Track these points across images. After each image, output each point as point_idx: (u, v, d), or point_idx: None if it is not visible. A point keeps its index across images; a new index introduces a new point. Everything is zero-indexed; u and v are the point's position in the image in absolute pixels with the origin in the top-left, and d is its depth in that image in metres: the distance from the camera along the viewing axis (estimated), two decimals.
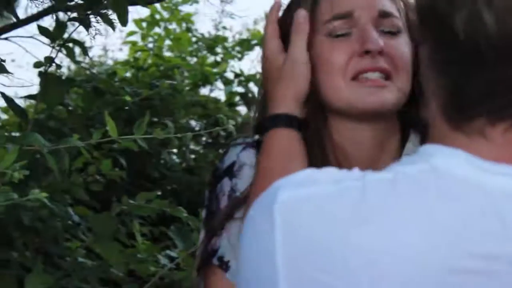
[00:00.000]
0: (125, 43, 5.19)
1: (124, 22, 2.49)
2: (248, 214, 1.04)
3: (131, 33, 5.11)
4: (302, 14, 1.50)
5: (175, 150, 4.92)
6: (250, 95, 5.44)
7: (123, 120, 3.12)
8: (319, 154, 1.49)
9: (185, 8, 5.31)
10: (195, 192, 4.66)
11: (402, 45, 1.47)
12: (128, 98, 2.82)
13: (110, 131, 1.93)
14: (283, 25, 1.53)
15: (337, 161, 1.50)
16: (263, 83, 1.56)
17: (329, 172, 1.01)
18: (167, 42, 5.26)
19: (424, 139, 1.51)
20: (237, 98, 5.53)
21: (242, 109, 5.54)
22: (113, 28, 2.53)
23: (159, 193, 4.48)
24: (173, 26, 5.29)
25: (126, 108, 3.00)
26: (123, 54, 5.33)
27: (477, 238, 0.89)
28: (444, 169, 0.93)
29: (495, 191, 0.91)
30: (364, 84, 1.44)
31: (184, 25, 5.27)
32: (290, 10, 1.56)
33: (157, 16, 5.12)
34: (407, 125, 1.55)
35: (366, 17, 1.46)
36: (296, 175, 1.02)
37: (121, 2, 2.48)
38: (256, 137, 1.53)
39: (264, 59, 1.53)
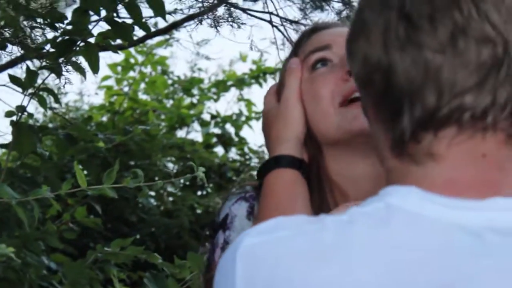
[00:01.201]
0: (100, 87, 5.19)
1: (95, 70, 2.49)
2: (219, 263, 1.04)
3: (106, 78, 5.12)
4: (294, 60, 1.55)
5: (152, 193, 4.91)
6: (226, 136, 5.46)
7: (97, 166, 3.11)
8: (317, 195, 1.50)
9: (160, 52, 5.34)
10: (173, 235, 4.65)
11: None
12: (101, 144, 2.81)
13: (79, 181, 1.92)
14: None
15: (334, 201, 1.51)
16: (262, 129, 1.60)
17: (289, 219, 1.00)
18: (142, 85, 5.28)
19: None
20: (214, 140, 5.54)
21: (219, 150, 5.56)
22: (84, 76, 2.54)
23: (138, 236, 4.48)
24: (148, 69, 5.32)
25: (100, 154, 3.00)
26: (99, 98, 5.33)
27: (434, 272, 0.88)
28: (399, 206, 0.93)
29: (451, 225, 0.90)
30: (352, 106, 1.45)
31: (159, 68, 5.28)
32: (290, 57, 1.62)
33: (132, 60, 5.13)
34: None
35: (343, 49, 1.50)
36: (264, 223, 1.01)
37: (92, 49, 2.48)
38: (249, 188, 1.57)
39: (263, 106, 1.59)
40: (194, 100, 5.69)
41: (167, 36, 4.60)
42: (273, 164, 1.47)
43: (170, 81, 5.58)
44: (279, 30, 3.35)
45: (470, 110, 0.92)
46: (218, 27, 2.90)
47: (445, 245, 0.89)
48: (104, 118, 4.91)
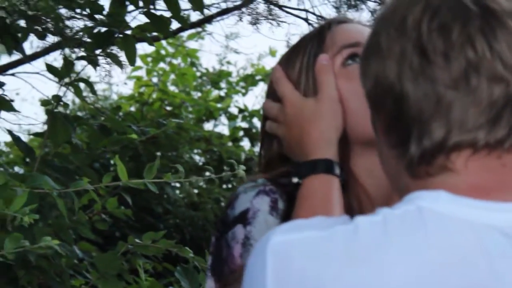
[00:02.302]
0: (130, 78, 5.21)
1: (132, 62, 2.51)
2: (248, 260, 1.04)
3: (137, 68, 5.13)
4: (323, 57, 1.50)
5: (178, 185, 4.92)
6: (254, 130, 5.46)
7: (129, 158, 3.11)
8: (345, 198, 1.48)
9: (190, 44, 5.34)
10: (198, 227, 4.66)
11: None
12: (134, 136, 2.82)
13: (120, 175, 1.92)
14: (289, 71, 1.54)
15: (359, 204, 1.47)
16: (287, 128, 1.50)
17: (318, 219, 1.01)
18: (172, 77, 5.29)
19: None
20: (241, 133, 5.54)
21: (246, 144, 5.56)
22: (121, 67, 2.55)
23: (161, 227, 4.49)
24: (177, 61, 5.32)
25: (132, 146, 3.00)
26: (127, 88, 5.34)
27: (467, 273, 0.89)
28: (430, 208, 0.94)
29: (481, 226, 0.92)
30: None
31: (188, 60, 5.29)
32: (296, 54, 1.56)
33: (162, 52, 5.14)
34: None
35: None
36: (294, 221, 1.02)
37: (129, 41, 2.49)
38: (261, 181, 1.52)
39: (285, 103, 1.50)
40: (222, 93, 5.70)
41: (199, 29, 4.60)
42: (312, 169, 1.42)
43: (198, 74, 5.58)
44: (313, 27, 3.34)
45: (484, 141, 0.94)
46: (258, 24, 2.90)
47: (478, 246, 0.90)
48: (133, 108, 4.92)
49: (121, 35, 2.52)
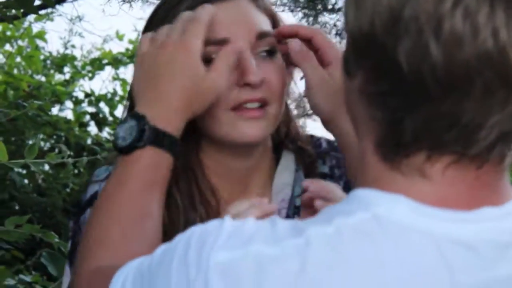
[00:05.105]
0: None
1: None
2: (154, 263, 0.96)
3: None
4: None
5: (23, 171, 4.78)
6: (101, 115, 5.38)
7: None
8: (192, 179, 1.47)
9: (35, 26, 5.20)
10: (46, 213, 4.55)
11: (279, 68, 1.43)
12: None
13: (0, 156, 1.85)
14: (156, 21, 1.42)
15: (198, 189, 1.47)
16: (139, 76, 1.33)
17: (261, 228, 0.93)
18: (18, 59, 5.14)
19: (298, 157, 1.54)
20: (87, 118, 5.45)
21: (93, 129, 5.47)
22: None
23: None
24: (24, 43, 5.18)
25: None
26: None
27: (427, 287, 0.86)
28: (388, 217, 0.88)
29: (442, 238, 0.87)
30: (242, 115, 1.40)
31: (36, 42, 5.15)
32: (152, 26, 1.42)
33: (8, 33, 4.99)
34: (278, 143, 1.56)
35: (244, 43, 1.39)
36: (218, 230, 0.93)
37: None
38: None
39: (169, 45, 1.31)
40: (67, 77, 5.58)
41: (49, 10, 4.49)
42: (164, 143, 1.27)
43: (42, 57, 5.45)
44: None
45: (472, 151, 0.89)
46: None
47: (439, 259, 0.87)
48: None
49: None
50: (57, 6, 4.00)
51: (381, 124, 0.91)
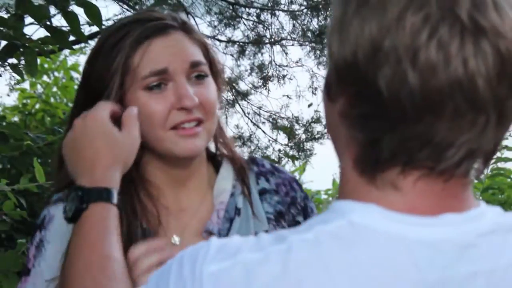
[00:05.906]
0: (14, 90, 5.36)
1: (34, 73, 2.67)
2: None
3: (21, 81, 5.30)
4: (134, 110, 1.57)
5: None
6: None
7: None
8: (133, 191, 1.63)
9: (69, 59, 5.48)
10: None
11: (210, 88, 1.62)
12: (29, 143, 3.00)
13: (38, 177, 2.03)
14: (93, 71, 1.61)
15: (149, 195, 1.64)
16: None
17: (244, 241, 0.99)
18: (54, 89, 5.45)
19: (233, 163, 1.73)
20: None
21: None
22: (22, 78, 2.71)
23: None
24: (59, 74, 5.48)
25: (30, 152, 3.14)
26: (10, 100, 5.47)
27: None
28: (361, 223, 0.94)
29: (411, 240, 0.94)
30: (181, 133, 1.58)
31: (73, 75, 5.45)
32: (99, 57, 1.61)
33: (46, 66, 5.30)
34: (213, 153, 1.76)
35: (180, 71, 1.58)
36: (207, 246, 0.99)
37: (32, 54, 2.67)
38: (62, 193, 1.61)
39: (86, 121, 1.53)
40: None
41: (82, 44, 4.80)
42: (105, 197, 1.45)
43: (76, 87, 5.76)
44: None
45: (442, 166, 0.95)
46: None
47: (410, 260, 0.93)
48: (16, 118, 5.08)
49: (21, 49, 2.68)
50: (89, 41, 4.26)
51: (360, 143, 0.97)
